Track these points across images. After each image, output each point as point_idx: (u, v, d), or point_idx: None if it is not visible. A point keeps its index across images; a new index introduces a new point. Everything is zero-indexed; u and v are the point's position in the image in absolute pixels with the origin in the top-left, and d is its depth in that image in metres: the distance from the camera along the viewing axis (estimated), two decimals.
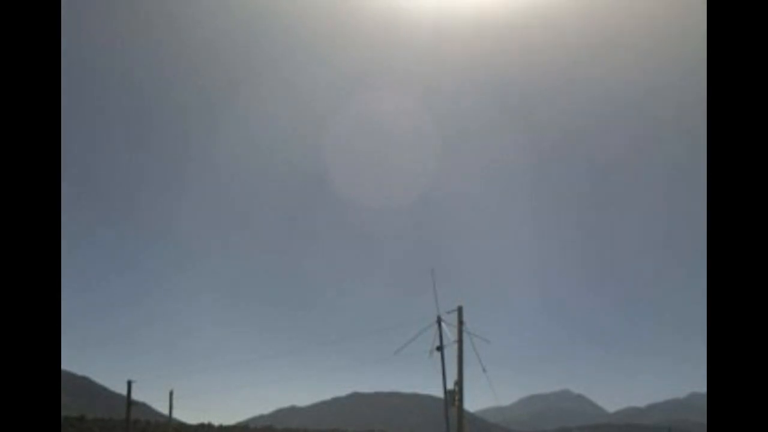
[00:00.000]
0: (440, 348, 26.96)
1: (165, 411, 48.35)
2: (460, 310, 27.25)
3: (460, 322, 26.98)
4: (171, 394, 44.68)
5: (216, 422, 66.07)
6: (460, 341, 26.77)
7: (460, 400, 26.63)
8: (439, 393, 27.49)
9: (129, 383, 43.48)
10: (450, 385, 26.89)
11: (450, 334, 26.97)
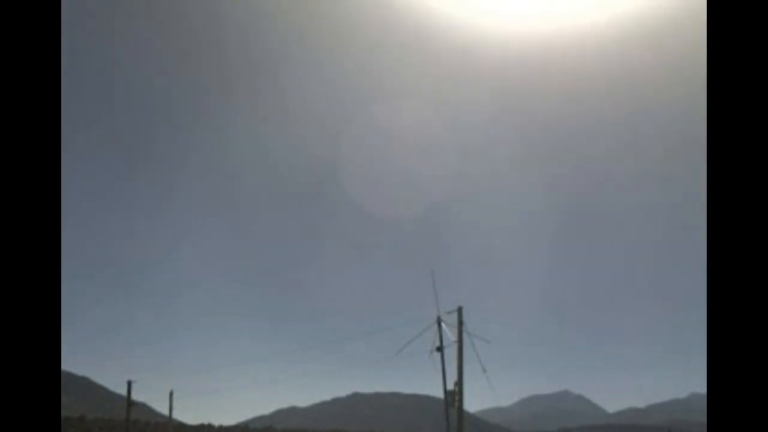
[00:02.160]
0: (440, 348, 26.97)
1: (165, 411, 48.39)
2: (460, 310, 27.26)
3: (460, 323, 26.98)
4: (171, 394, 44.74)
5: (216, 422, 65.99)
6: (460, 342, 26.78)
7: (460, 400, 26.63)
8: (439, 393, 27.49)
9: (129, 383, 43.51)
10: (450, 386, 26.89)
11: (450, 334, 27.00)
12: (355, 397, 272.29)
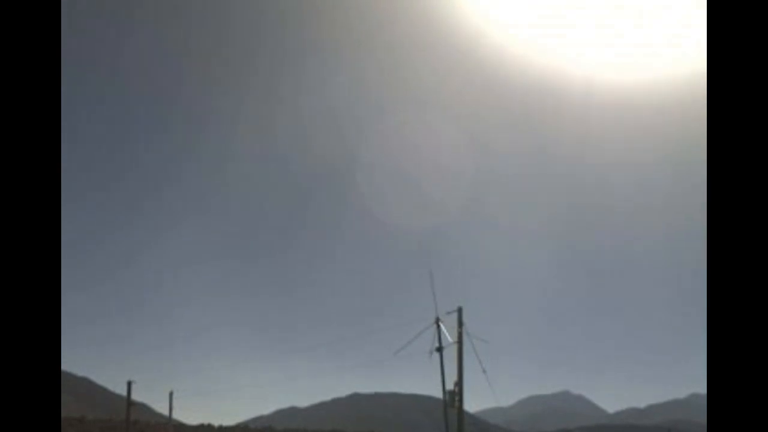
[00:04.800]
0: (440, 349, 26.98)
1: (165, 411, 48.40)
2: (459, 311, 27.27)
3: (460, 323, 26.99)
4: (171, 394, 44.77)
5: (216, 422, 66.06)
6: (459, 342, 26.79)
7: (460, 400, 26.63)
8: (439, 394, 27.51)
9: (129, 383, 43.56)
10: (450, 386, 26.90)
11: (449, 335, 27.01)
12: (355, 397, 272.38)
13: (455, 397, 26.58)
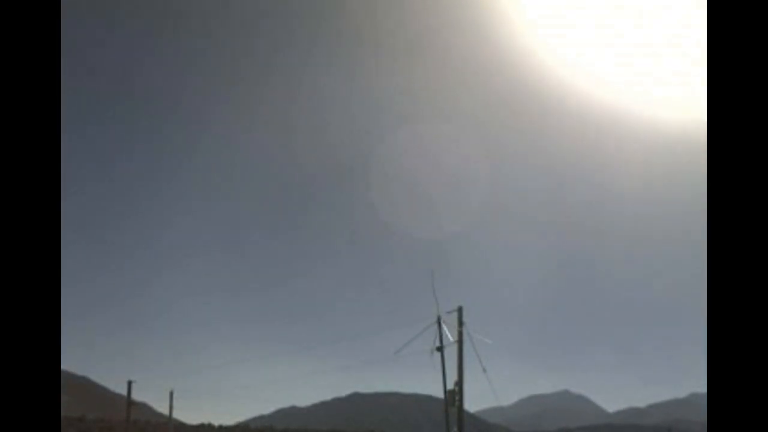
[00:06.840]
0: (440, 348, 26.97)
1: (165, 411, 48.42)
2: (460, 310, 27.26)
3: (460, 323, 26.98)
4: (171, 394, 44.77)
5: (216, 422, 66.12)
6: (460, 342, 26.78)
7: (461, 400, 26.63)
8: (440, 393, 27.50)
9: (129, 383, 43.57)
10: (450, 386, 26.90)
11: (450, 334, 27.00)
12: (355, 397, 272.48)
13: (455, 396, 26.58)
